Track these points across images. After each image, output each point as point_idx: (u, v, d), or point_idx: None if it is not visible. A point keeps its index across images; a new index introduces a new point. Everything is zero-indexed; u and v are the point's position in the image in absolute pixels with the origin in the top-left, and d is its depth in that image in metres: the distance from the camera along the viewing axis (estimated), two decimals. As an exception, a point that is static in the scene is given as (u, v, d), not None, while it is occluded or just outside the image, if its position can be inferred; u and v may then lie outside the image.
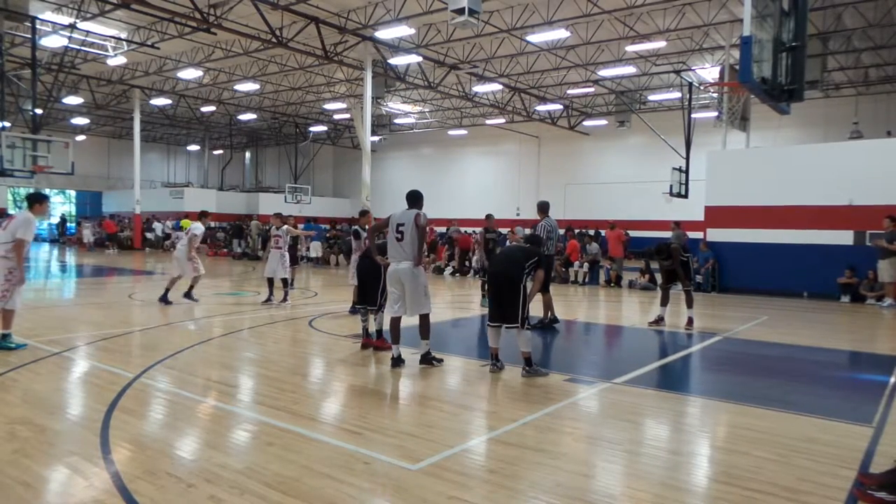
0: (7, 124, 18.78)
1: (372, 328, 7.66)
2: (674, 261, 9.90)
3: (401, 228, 6.64)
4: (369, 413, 5.14)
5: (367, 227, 9.80)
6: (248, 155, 45.85)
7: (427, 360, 6.74)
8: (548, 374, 6.40)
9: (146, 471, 3.76)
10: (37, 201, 7.47)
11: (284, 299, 11.79)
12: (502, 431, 4.66)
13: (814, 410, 5.39)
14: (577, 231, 23.92)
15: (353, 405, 5.45)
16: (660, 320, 10.11)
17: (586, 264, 17.63)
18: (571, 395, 5.80)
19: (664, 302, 10.27)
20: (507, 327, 6.41)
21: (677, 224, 18.00)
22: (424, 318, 6.69)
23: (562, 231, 17.61)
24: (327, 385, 6.26)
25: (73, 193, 44.23)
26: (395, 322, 6.75)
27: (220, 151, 45.51)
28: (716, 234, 16.15)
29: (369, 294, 7.45)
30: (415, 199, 6.82)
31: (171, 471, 3.78)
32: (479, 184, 35.88)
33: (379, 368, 6.78)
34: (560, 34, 19.25)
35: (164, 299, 11.27)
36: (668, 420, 5.18)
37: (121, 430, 4.47)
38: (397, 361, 6.67)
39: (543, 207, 9.85)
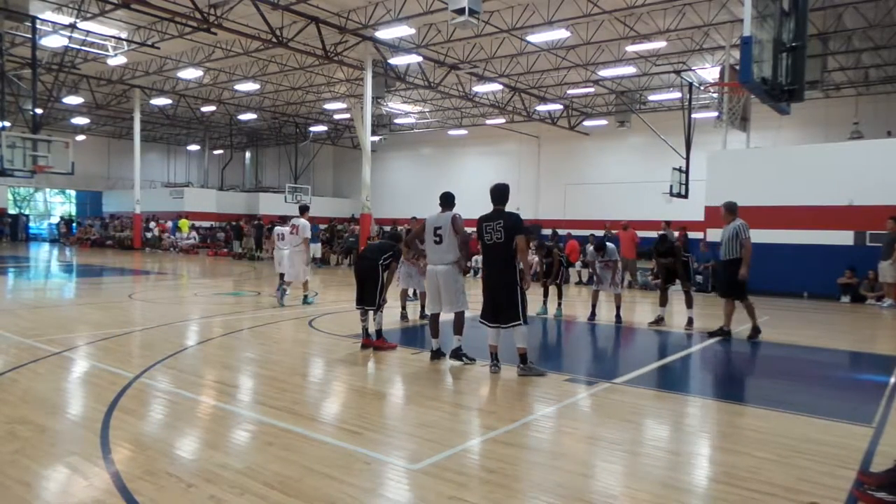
0: (7, 124, 18.78)
1: (372, 328, 7.66)
2: (675, 259, 9.88)
3: (438, 232, 6.84)
4: (369, 413, 5.14)
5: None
6: (248, 155, 45.84)
7: (457, 355, 6.80)
8: (544, 374, 6.37)
9: (146, 471, 3.75)
10: (307, 210, 11.94)
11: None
12: (502, 431, 4.66)
13: (814, 410, 5.38)
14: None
15: (353, 405, 5.45)
16: (660, 320, 10.11)
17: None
18: (571, 395, 5.80)
19: (663, 302, 10.27)
20: (506, 327, 6.37)
21: (668, 224, 17.91)
22: (459, 315, 6.85)
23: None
24: (327, 385, 6.26)
25: (73, 193, 44.26)
26: (434, 318, 7.07)
27: (220, 151, 45.51)
28: (716, 235, 16.11)
29: (368, 294, 7.46)
30: (446, 200, 7.03)
31: (171, 471, 3.77)
32: (480, 184, 35.54)
33: (379, 368, 6.79)
34: (560, 34, 19.25)
35: (281, 300, 11.61)
36: (668, 420, 5.18)
37: (121, 430, 4.46)
38: (436, 354, 6.99)
39: (733, 209, 9.14)
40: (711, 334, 9.16)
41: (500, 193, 6.68)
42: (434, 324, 7.09)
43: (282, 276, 12.43)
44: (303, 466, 3.86)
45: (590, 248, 10.77)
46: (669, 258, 9.89)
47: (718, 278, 9.22)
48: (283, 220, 13.58)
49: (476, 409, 5.40)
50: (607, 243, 10.55)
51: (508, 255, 6.37)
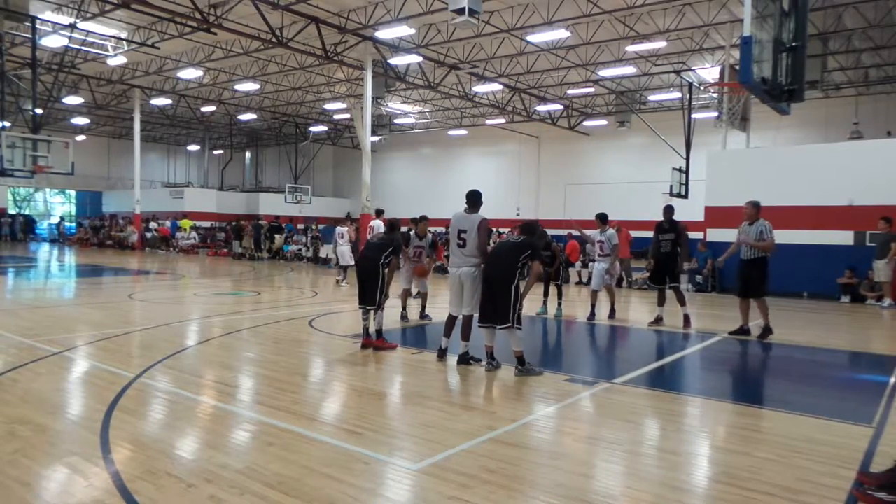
0: (7, 124, 18.76)
1: (372, 328, 7.66)
2: (679, 236, 9.80)
3: (462, 235, 6.78)
4: (369, 413, 5.14)
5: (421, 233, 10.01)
6: (248, 155, 45.84)
7: (465, 360, 6.78)
8: (541, 374, 6.38)
9: (146, 471, 3.76)
10: (382, 213, 13.92)
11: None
12: (502, 431, 4.66)
13: (814, 410, 5.38)
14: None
15: (353, 405, 5.45)
16: (659, 320, 10.10)
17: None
18: (571, 395, 5.80)
19: (661, 302, 10.26)
20: (498, 328, 6.41)
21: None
22: (468, 320, 6.83)
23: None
24: (327, 385, 6.26)
25: (73, 193, 44.25)
26: (451, 320, 7.02)
27: (220, 151, 45.51)
28: (716, 235, 16.15)
29: (369, 294, 7.46)
30: (472, 199, 6.92)
31: (171, 471, 3.78)
32: (480, 184, 35.02)
33: (379, 368, 6.79)
34: (560, 34, 19.25)
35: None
36: (668, 420, 5.18)
37: (121, 430, 4.47)
38: (443, 353, 7.01)
39: (759, 206, 9.05)
40: (732, 333, 9.19)
41: (529, 227, 6.92)
42: (450, 325, 7.04)
43: (344, 268, 15.46)
44: (303, 466, 3.87)
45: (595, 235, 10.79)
46: (672, 234, 9.83)
47: (739, 277, 9.23)
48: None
49: (476, 409, 5.40)
50: (610, 228, 10.55)
51: (516, 257, 6.41)
